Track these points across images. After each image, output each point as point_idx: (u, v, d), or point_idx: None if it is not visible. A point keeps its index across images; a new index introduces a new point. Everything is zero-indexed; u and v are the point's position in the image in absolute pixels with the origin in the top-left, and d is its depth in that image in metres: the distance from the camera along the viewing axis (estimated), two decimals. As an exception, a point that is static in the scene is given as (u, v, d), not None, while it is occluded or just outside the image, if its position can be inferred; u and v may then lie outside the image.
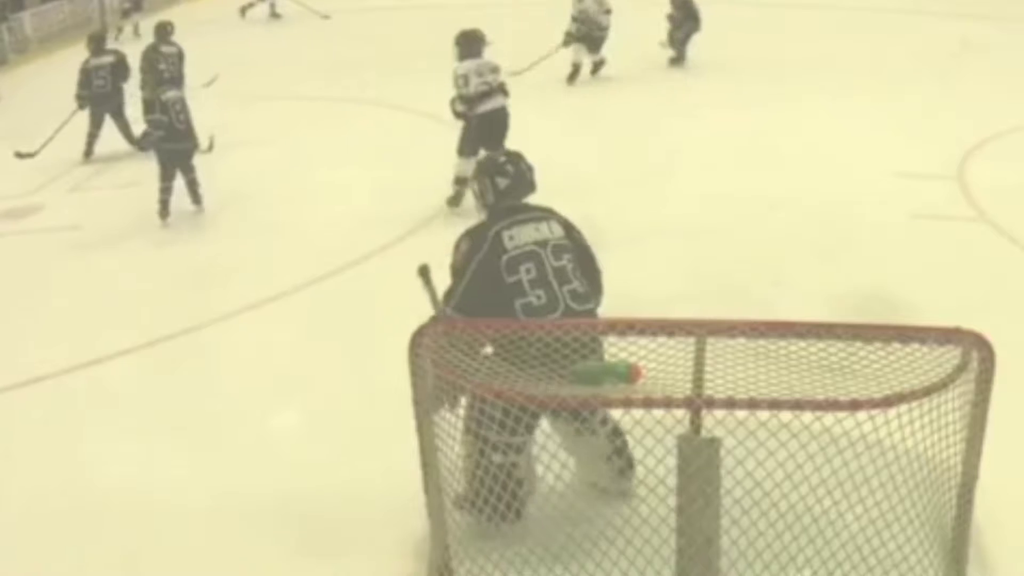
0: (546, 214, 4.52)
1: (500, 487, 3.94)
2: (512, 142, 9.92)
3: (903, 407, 3.39)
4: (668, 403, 3.50)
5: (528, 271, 4.27)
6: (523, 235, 4.35)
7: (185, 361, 6.40)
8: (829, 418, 3.39)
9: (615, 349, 3.96)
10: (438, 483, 3.97)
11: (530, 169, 4.66)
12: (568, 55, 12.60)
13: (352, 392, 5.75)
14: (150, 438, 5.50)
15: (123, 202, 9.32)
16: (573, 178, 8.72)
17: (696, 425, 3.43)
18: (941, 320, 3.78)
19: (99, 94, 10.60)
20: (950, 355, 3.56)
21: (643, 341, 3.84)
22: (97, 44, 10.89)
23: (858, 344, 3.70)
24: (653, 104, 11.41)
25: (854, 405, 3.33)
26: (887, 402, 3.34)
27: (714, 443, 3.44)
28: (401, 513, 4.50)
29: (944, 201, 8.28)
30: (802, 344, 3.73)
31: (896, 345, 3.66)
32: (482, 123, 8.39)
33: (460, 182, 8.15)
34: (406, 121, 11.21)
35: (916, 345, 3.63)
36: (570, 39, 12.52)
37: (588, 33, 12.54)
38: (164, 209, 8.56)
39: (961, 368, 3.49)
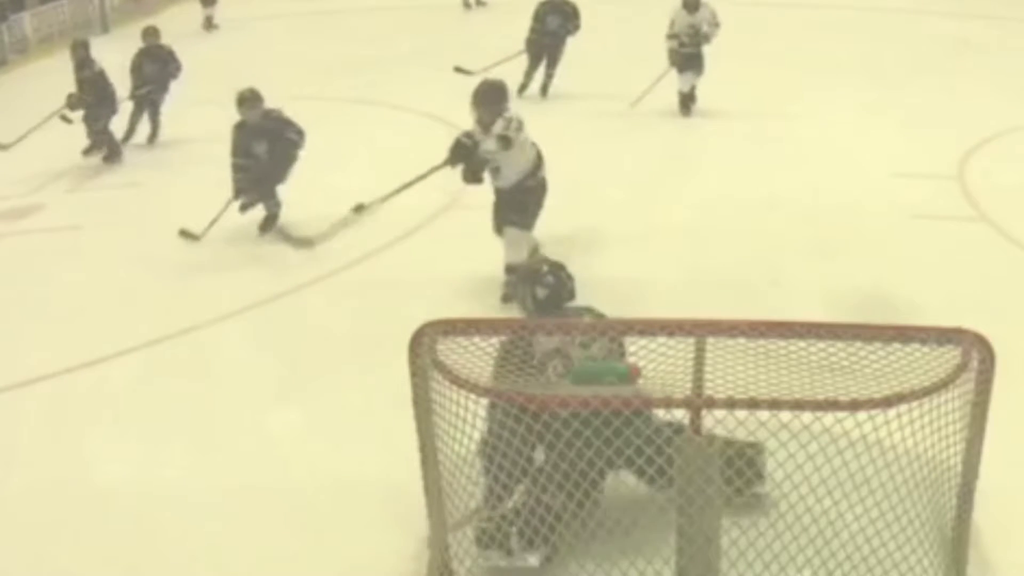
0: (581, 311, 4.63)
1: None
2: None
3: (903, 407, 3.39)
4: (668, 403, 3.50)
5: (555, 367, 4.29)
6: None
7: (185, 361, 6.39)
8: (829, 418, 3.39)
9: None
10: (438, 483, 3.97)
11: (570, 279, 4.81)
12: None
13: (352, 392, 5.75)
14: (150, 437, 5.50)
15: (123, 202, 9.32)
16: (573, 178, 8.75)
17: (696, 425, 3.43)
18: (941, 320, 3.78)
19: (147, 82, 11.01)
20: (950, 355, 3.56)
21: (643, 341, 3.84)
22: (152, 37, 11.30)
23: (858, 344, 3.70)
24: (652, 104, 11.38)
25: (854, 405, 3.34)
26: (887, 402, 3.34)
27: (714, 443, 3.44)
28: (401, 512, 4.50)
29: (944, 201, 8.29)
30: (802, 344, 3.73)
31: (896, 345, 3.66)
32: (540, 189, 6.84)
33: (513, 271, 6.41)
34: (406, 121, 11.20)
35: (916, 345, 3.63)
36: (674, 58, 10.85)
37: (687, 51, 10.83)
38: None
39: (961, 368, 3.49)
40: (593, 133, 10.75)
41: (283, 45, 16.43)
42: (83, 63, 10.48)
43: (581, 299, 6.48)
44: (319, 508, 4.79)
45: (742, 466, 3.87)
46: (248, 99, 8.10)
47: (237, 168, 8.20)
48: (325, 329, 6.62)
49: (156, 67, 11.14)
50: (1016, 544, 4.29)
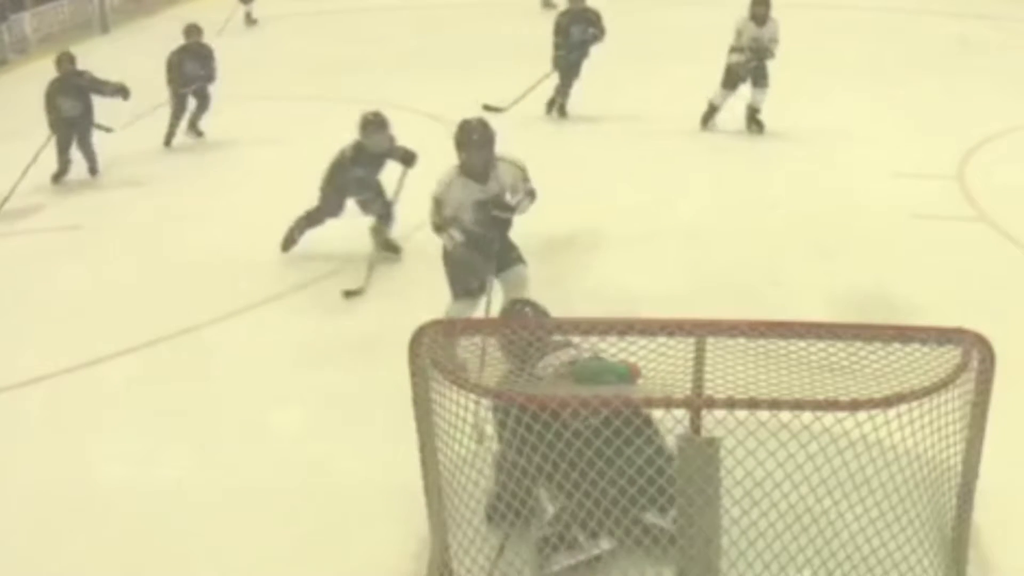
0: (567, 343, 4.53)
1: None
2: (513, 129, 9.99)
3: (903, 407, 3.39)
4: (668, 403, 3.50)
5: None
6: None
7: (185, 361, 6.39)
8: (829, 418, 3.40)
9: (615, 349, 3.96)
10: (438, 483, 3.97)
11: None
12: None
13: (352, 392, 5.75)
14: (150, 437, 5.50)
15: (123, 202, 9.32)
16: (573, 178, 8.75)
17: (696, 425, 3.44)
18: (941, 320, 3.78)
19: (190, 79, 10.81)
20: (950, 355, 3.56)
21: (643, 341, 3.84)
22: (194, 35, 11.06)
23: (858, 344, 3.71)
24: (651, 103, 11.38)
25: (854, 405, 3.34)
26: (887, 402, 3.35)
27: (714, 443, 3.44)
28: (401, 513, 4.50)
29: (944, 201, 8.28)
30: (802, 344, 3.73)
31: (896, 345, 3.66)
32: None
33: None
34: (406, 121, 11.17)
35: (916, 345, 3.64)
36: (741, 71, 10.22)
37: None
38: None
39: (961, 368, 3.50)
40: (592, 134, 10.76)
41: (283, 45, 16.45)
42: (70, 75, 9.84)
43: (582, 299, 6.53)
44: (319, 508, 4.79)
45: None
46: (374, 123, 7.39)
47: (363, 202, 7.64)
48: (325, 329, 6.62)
49: (197, 65, 10.88)
50: (1016, 544, 4.29)
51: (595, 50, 11.06)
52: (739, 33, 10.14)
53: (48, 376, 6.21)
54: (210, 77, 10.94)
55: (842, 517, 3.80)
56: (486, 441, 4.25)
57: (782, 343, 3.74)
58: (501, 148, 5.82)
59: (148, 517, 4.81)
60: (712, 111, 10.48)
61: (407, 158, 7.48)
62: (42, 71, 13.55)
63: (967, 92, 11.46)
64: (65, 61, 9.91)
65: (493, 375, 4.09)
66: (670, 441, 3.72)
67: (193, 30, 11.11)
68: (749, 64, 10.09)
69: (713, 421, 3.45)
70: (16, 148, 10.05)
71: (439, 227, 5.78)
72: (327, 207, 7.67)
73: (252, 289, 7.19)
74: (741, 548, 3.70)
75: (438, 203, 5.73)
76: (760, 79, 10.20)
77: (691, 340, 3.77)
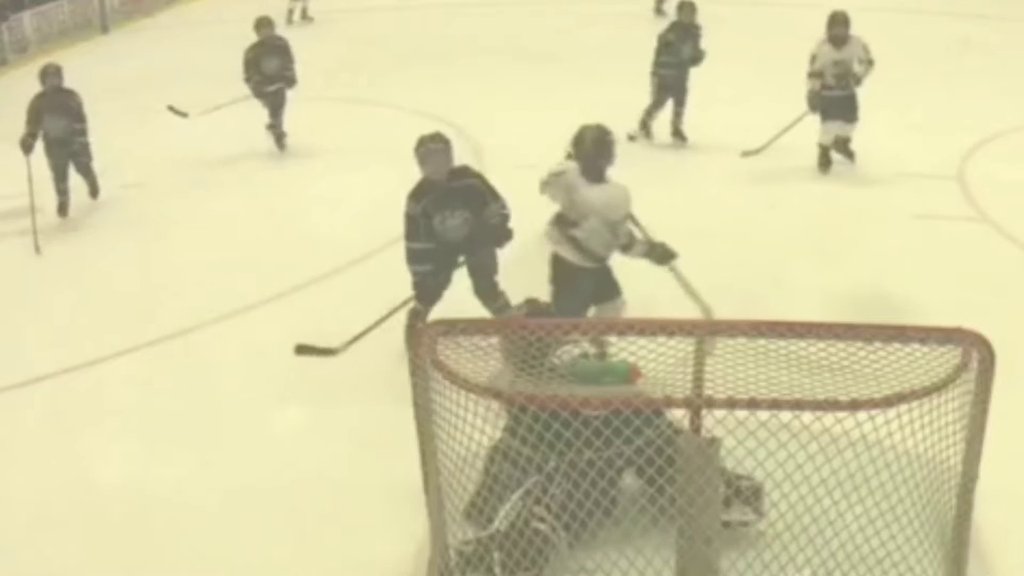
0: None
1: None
2: (512, 133, 10.00)
3: (903, 407, 3.39)
4: (668, 403, 3.50)
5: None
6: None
7: (185, 361, 6.40)
8: (829, 418, 3.40)
9: (615, 349, 3.96)
10: (438, 483, 3.97)
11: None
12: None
13: (352, 392, 5.75)
14: (150, 437, 5.51)
15: (123, 202, 9.31)
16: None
17: (696, 425, 3.44)
18: (941, 320, 3.78)
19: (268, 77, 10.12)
20: (950, 355, 3.56)
21: (643, 341, 3.84)
22: (266, 28, 10.29)
23: (858, 344, 3.70)
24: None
25: (854, 405, 3.34)
26: (887, 402, 3.35)
27: (714, 443, 3.44)
28: (401, 513, 4.50)
29: (944, 201, 8.28)
30: (802, 344, 3.73)
31: (896, 345, 3.66)
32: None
33: None
34: (406, 121, 11.19)
35: (916, 345, 3.63)
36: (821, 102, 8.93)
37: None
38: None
39: (961, 368, 3.50)
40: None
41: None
42: (57, 89, 8.84)
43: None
44: (319, 508, 4.79)
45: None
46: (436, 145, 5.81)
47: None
48: (325, 329, 6.62)
49: (277, 61, 10.12)
50: (1016, 544, 4.29)
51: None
52: (814, 57, 8.92)
53: (48, 376, 6.21)
54: (290, 80, 10.15)
55: (842, 517, 3.80)
56: None
57: (782, 343, 3.74)
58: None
59: (148, 517, 4.81)
60: (824, 152, 9.06)
61: None
62: (42, 71, 13.52)
63: (967, 92, 11.45)
64: (51, 74, 8.91)
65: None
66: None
67: (264, 23, 10.29)
68: (827, 93, 8.83)
69: (713, 421, 3.45)
70: (16, 148, 10.04)
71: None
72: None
73: (253, 288, 7.19)
74: (741, 548, 3.70)
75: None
76: (841, 112, 8.88)
77: (691, 340, 3.77)
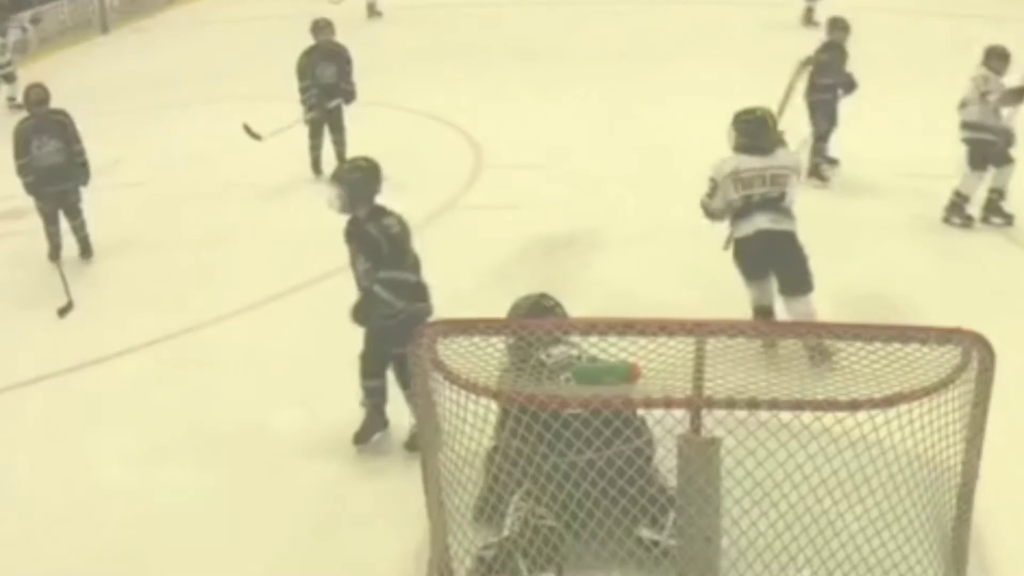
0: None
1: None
2: (512, 129, 9.99)
3: (903, 407, 3.40)
4: (668, 403, 3.50)
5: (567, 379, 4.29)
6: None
7: (186, 361, 6.39)
8: (829, 418, 3.40)
9: (615, 349, 3.96)
10: (438, 483, 3.97)
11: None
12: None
13: (352, 392, 5.75)
14: (150, 437, 5.50)
15: (123, 202, 9.30)
16: (573, 176, 8.75)
17: (696, 425, 3.44)
18: (942, 320, 3.78)
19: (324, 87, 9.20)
20: (950, 355, 3.56)
21: (643, 341, 3.84)
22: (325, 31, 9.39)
23: (858, 344, 3.71)
24: (652, 102, 11.37)
25: (854, 405, 3.34)
26: (887, 402, 3.35)
27: (714, 443, 3.44)
28: (401, 513, 4.50)
29: (944, 201, 8.27)
30: (802, 344, 3.73)
31: (896, 345, 3.66)
32: None
33: None
34: (406, 121, 11.19)
35: (916, 345, 3.64)
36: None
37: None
38: None
39: (961, 368, 3.50)
40: (591, 134, 10.76)
41: (283, 45, 16.40)
42: (48, 112, 7.80)
43: (584, 299, 6.52)
44: (319, 508, 4.79)
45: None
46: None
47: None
48: (325, 329, 6.61)
49: (333, 69, 9.20)
50: (1016, 544, 4.29)
51: None
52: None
53: (48, 376, 6.21)
54: (349, 94, 9.20)
55: (842, 517, 3.80)
56: None
57: (782, 343, 3.74)
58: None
59: (148, 517, 4.81)
60: (962, 201, 7.89)
61: None
62: (42, 71, 13.59)
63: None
64: (323, 28, 8.74)
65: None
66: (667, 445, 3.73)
67: (322, 26, 9.33)
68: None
69: (713, 421, 3.45)
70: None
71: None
72: None
73: (253, 288, 7.19)
74: (741, 548, 3.70)
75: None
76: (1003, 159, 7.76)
77: (691, 340, 3.77)
